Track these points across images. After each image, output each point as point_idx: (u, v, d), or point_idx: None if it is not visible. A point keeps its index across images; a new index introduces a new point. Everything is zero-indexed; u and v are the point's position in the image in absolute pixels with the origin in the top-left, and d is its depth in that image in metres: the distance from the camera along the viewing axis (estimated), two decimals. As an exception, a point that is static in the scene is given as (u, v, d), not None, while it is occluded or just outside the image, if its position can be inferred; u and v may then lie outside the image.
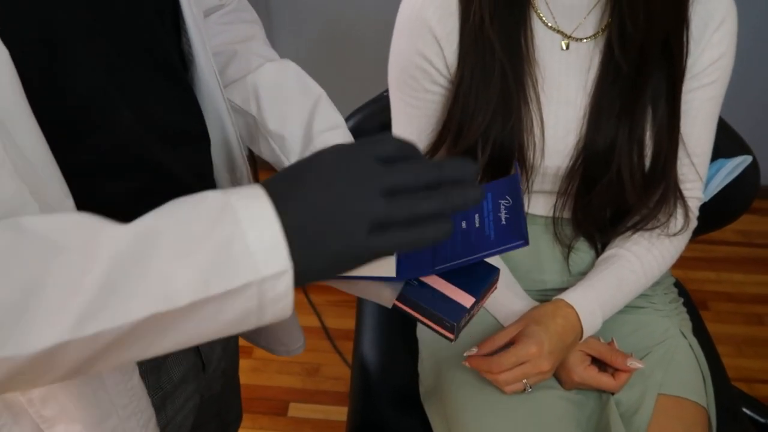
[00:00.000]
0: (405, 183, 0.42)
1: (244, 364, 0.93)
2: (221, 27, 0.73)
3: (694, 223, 0.86)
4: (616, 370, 0.78)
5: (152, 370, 0.61)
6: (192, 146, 0.61)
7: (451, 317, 0.54)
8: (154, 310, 0.39)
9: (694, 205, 0.85)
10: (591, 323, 0.79)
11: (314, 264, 0.42)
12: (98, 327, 0.38)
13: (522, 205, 0.56)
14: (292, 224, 0.41)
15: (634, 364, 0.77)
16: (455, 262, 0.55)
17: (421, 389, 0.91)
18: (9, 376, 0.38)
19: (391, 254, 0.44)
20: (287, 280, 0.41)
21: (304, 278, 0.42)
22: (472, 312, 0.56)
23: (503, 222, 0.56)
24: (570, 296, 0.80)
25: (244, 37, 0.74)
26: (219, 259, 0.40)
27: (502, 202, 0.58)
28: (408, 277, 0.56)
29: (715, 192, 0.93)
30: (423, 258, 0.56)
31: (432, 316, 0.55)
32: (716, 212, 0.95)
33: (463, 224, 0.58)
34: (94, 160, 0.50)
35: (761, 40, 1.74)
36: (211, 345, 0.71)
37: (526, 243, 0.53)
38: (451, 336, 0.55)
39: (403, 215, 0.42)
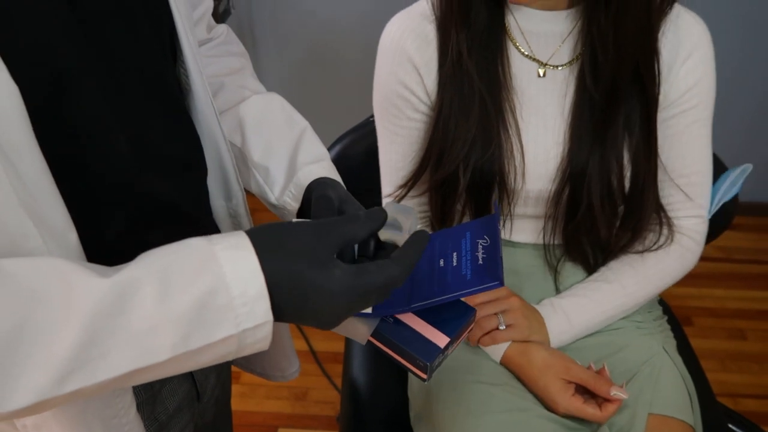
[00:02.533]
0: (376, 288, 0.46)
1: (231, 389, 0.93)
2: (209, 59, 0.74)
3: (695, 243, 0.87)
4: (605, 399, 0.77)
5: (147, 401, 0.61)
6: (189, 175, 0.62)
7: (425, 357, 0.54)
8: (135, 366, 0.39)
9: (691, 224, 0.86)
10: (549, 313, 0.83)
11: (288, 319, 0.44)
12: (78, 385, 0.38)
13: (499, 246, 0.56)
14: (273, 281, 0.42)
15: (618, 394, 0.76)
16: (431, 301, 0.54)
17: (411, 413, 0.91)
18: None
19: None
20: (267, 328, 0.42)
21: (280, 321, 0.44)
22: (446, 352, 0.55)
23: (480, 262, 0.56)
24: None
25: (232, 69, 0.75)
26: (201, 313, 0.40)
27: (480, 241, 0.58)
28: (383, 313, 0.56)
29: (719, 205, 0.94)
30: (399, 295, 0.56)
31: (406, 355, 0.55)
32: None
33: (441, 262, 0.58)
34: (96, 189, 0.50)
35: (742, 61, 1.80)
36: (206, 374, 0.71)
37: (501, 284, 0.53)
38: (424, 376, 0.55)
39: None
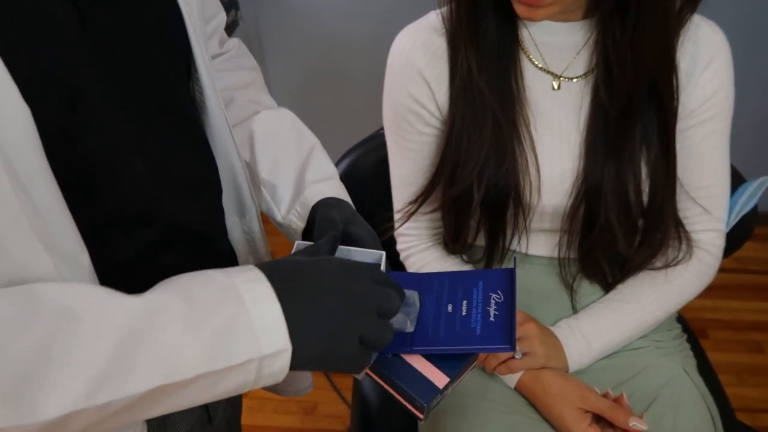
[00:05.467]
0: (390, 308, 0.48)
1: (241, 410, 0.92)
2: (221, 73, 0.73)
3: (713, 258, 0.85)
4: (624, 430, 0.74)
5: (158, 426, 0.60)
6: (204, 193, 0.61)
7: (422, 397, 0.52)
8: (163, 381, 0.40)
9: (709, 238, 0.84)
10: (568, 335, 0.81)
11: (307, 352, 0.45)
12: (109, 397, 0.39)
13: (514, 307, 0.55)
14: (290, 313, 0.44)
15: (637, 425, 0.73)
16: (436, 348, 0.54)
17: (421, 432, 0.90)
18: None
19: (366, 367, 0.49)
20: (285, 359, 0.44)
21: (297, 364, 0.45)
22: (445, 392, 0.54)
23: (491, 318, 0.55)
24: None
25: (243, 83, 0.74)
26: (224, 335, 0.42)
27: (494, 296, 0.57)
28: (385, 350, 0.54)
29: (737, 218, 0.92)
30: (402, 333, 0.55)
31: (403, 393, 0.54)
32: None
33: (449, 308, 0.56)
34: (109, 212, 0.50)
35: (748, 68, 1.77)
36: None
37: (512, 349, 0.52)
38: (420, 416, 0.53)
39: (386, 337, 0.48)
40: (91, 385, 0.38)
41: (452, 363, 0.54)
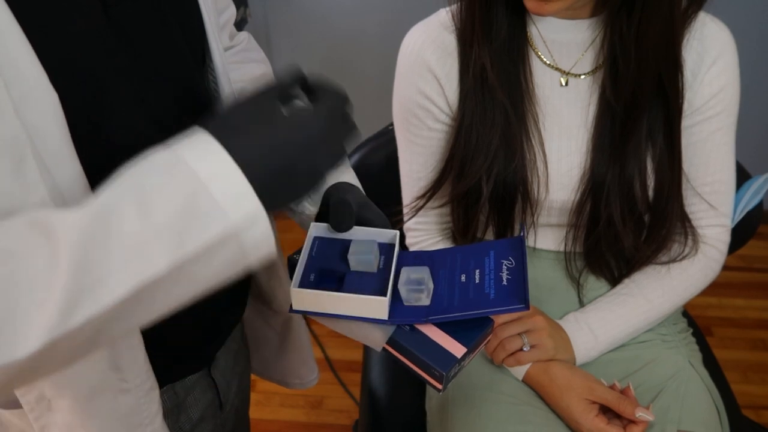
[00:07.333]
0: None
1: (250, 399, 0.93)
2: (231, 66, 0.74)
3: (719, 253, 0.86)
4: (630, 421, 0.75)
5: (172, 411, 0.61)
6: None
7: (441, 366, 0.53)
8: (135, 281, 0.38)
9: (715, 234, 0.85)
10: (576, 330, 0.82)
11: (280, 191, 0.42)
12: (85, 314, 0.37)
13: (525, 269, 0.56)
14: (245, 159, 0.40)
15: (643, 416, 0.74)
16: (451, 315, 0.54)
17: (428, 427, 0.91)
18: (6, 381, 0.37)
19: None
20: (263, 223, 0.40)
21: (271, 207, 0.41)
22: (463, 363, 0.55)
23: (504, 282, 0.55)
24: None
25: (252, 75, 0.76)
26: (186, 216, 0.39)
27: (505, 262, 0.57)
28: (400, 321, 0.55)
29: (742, 214, 0.93)
30: (419, 306, 0.56)
31: (421, 364, 0.54)
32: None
33: (462, 278, 0.57)
34: None
35: (754, 65, 1.77)
36: (228, 382, 0.71)
37: (527, 308, 0.53)
38: (439, 386, 0.54)
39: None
40: (63, 306, 0.36)
41: (469, 334, 0.55)
